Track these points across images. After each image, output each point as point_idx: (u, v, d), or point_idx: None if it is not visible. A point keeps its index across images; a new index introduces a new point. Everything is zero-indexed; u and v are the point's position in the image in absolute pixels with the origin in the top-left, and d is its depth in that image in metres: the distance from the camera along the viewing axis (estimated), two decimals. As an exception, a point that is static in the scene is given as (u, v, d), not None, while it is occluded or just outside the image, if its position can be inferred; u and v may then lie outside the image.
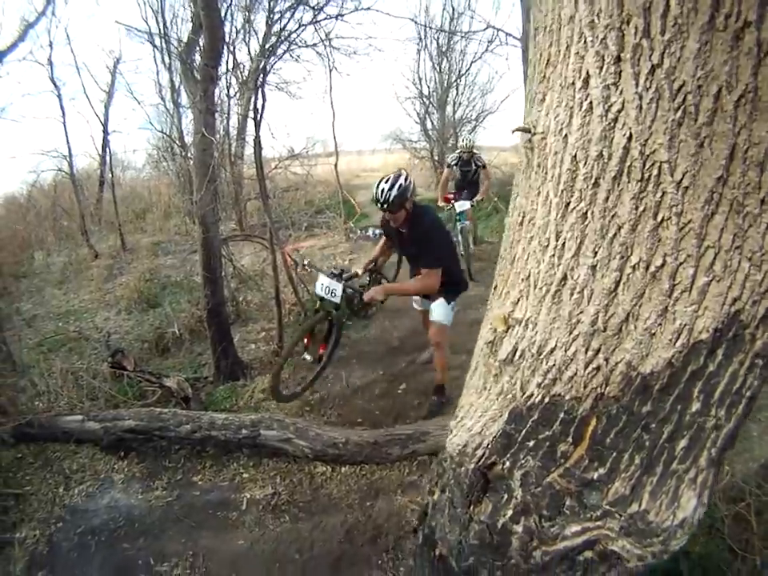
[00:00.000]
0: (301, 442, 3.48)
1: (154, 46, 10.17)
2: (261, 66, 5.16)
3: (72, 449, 3.80)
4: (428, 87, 14.09)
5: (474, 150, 6.90)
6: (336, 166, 9.65)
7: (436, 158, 14.00)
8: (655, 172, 0.92)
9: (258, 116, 5.02)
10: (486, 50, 12.36)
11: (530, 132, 1.13)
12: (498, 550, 1.30)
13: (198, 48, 5.45)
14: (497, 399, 1.28)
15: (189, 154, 9.86)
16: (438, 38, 13.24)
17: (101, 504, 3.29)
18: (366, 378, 4.71)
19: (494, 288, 1.38)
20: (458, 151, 6.87)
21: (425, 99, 14.25)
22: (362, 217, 10.66)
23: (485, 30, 11.24)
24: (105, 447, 3.80)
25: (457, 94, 14.14)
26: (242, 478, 3.48)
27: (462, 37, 12.80)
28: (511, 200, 1.30)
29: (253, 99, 5.05)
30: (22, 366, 5.09)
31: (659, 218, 0.93)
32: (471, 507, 1.35)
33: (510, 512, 1.25)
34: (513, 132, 1.21)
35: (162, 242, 10.34)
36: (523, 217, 1.20)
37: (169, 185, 12.45)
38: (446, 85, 13.85)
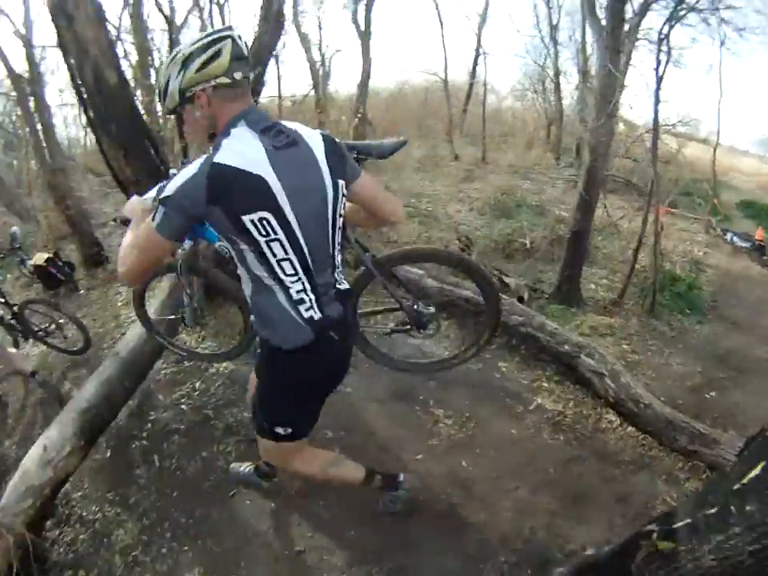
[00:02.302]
0: (610, 382, 3.74)
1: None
2: (670, 15, 5.08)
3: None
4: None
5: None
6: (715, 149, 9.05)
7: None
8: None
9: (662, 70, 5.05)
10: None
11: None
12: None
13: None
14: None
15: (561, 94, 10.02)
16: None
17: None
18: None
19: None
20: None
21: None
22: (725, 219, 9.85)
23: None
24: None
25: None
26: (541, 385, 3.94)
27: None
28: None
29: (656, 51, 5.03)
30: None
31: None
32: None
33: None
34: None
35: (521, 166, 11.03)
36: None
37: (536, 117, 12.99)
38: None
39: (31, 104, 10.85)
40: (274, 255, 1.56)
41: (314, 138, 1.63)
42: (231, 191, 1.45)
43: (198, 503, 3.13)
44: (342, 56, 26.82)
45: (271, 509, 3.05)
